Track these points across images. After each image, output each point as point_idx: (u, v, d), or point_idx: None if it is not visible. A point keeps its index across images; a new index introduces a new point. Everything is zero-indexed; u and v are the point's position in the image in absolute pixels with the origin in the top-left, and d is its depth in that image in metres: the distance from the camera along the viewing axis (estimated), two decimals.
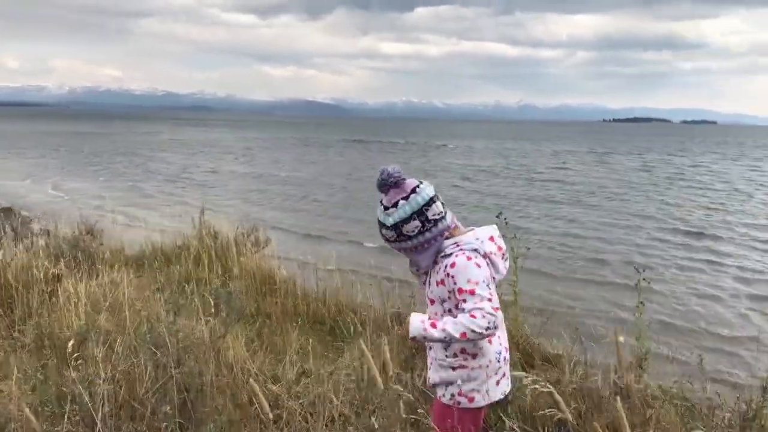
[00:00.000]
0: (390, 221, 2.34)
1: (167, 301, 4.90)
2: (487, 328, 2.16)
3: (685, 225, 16.13)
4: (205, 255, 6.46)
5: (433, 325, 2.23)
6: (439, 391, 2.49)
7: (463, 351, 2.37)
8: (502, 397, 2.48)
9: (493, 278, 2.34)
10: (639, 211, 18.56)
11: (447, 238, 2.37)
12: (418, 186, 2.35)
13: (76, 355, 3.05)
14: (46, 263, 5.31)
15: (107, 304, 4.57)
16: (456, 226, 2.41)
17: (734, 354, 7.04)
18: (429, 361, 2.56)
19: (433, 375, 2.49)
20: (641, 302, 3.35)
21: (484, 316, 2.15)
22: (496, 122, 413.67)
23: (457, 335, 2.17)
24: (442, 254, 2.36)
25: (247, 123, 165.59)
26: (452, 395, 2.42)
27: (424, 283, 2.51)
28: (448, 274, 2.29)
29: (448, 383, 2.43)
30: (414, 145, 61.83)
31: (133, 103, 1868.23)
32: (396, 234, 2.34)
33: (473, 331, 2.16)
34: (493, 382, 2.42)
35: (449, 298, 2.34)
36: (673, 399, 3.23)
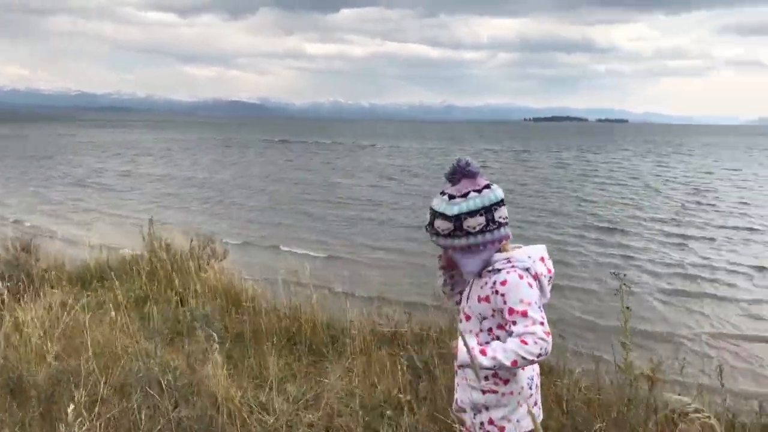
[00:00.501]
0: (454, 210, 2.13)
1: (148, 329, 4.57)
2: (539, 355, 2.02)
3: (599, 221, 16.72)
4: (162, 270, 6.00)
5: (483, 352, 2.06)
6: (468, 419, 2.33)
7: (495, 375, 2.22)
8: (532, 428, 2.26)
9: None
10: (555, 208, 19.13)
11: (498, 251, 2.20)
12: (491, 184, 2.20)
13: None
14: None
15: (59, 330, 4.18)
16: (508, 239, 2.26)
17: (651, 349, 7.21)
18: (457, 381, 2.38)
19: (462, 396, 2.34)
20: (627, 307, 3.33)
21: (536, 342, 2.01)
22: (421, 122, 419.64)
23: (508, 363, 2.03)
24: (490, 268, 2.18)
25: (168, 124, 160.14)
26: (481, 424, 2.26)
27: (459, 302, 2.35)
28: (496, 291, 2.13)
29: (477, 410, 2.27)
30: (340, 145, 61.60)
31: (44, 103, 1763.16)
32: (455, 227, 2.13)
33: (524, 358, 2.02)
34: (524, 410, 2.25)
35: (492, 316, 2.19)
36: (696, 412, 3.23)
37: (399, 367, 3.86)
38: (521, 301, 2.07)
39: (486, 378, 2.22)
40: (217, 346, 3.52)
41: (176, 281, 5.80)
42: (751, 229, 15.67)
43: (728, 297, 9.69)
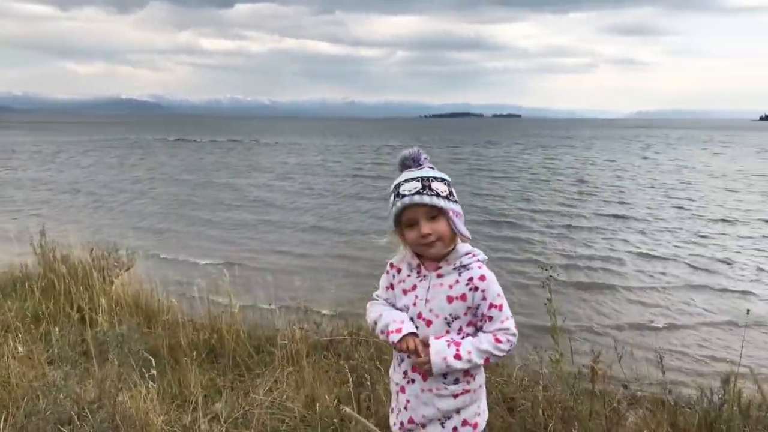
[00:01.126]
0: (446, 176, 2.12)
1: (48, 354, 4.17)
2: (508, 351, 2.05)
3: (490, 214, 17.07)
4: (60, 285, 5.33)
5: (457, 356, 1.99)
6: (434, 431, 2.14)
7: (466, 373, 2.10)
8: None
9: None
10: None
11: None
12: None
13: None
14: None
15: None
16: None
17: (544, 342, 7.18)
18: (405, 398, 2.15)
19: (421, 412, 2.12)
20: (549, 299, 3.32)
21: (508, 340, 2.03)
22: (323, 119, 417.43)
23: (481, 362, 2.03)
24: (457, 264, 2.07)
25: (52, 124, 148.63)
26: (454, 428, 2.11)
27: (414, 304, 2.12)
28: (476, 288, 2.03)
29: (447, 417, 2.11)
30: (239, 144, 59.85)
31: None
32: (449, 191, 2.07)
33: (495, 355, 2.04)
34: (485, 396, 2.22)
35: (465, 314, 2.06)
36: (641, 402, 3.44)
37: (330, 376, 3.64)
38: (499, 295, 2.05)
39: (456, 381, 2.09)
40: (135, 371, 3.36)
41: (78, 296, 5.24)
42: (625, 217, 16.62)
43: (615, 285, 10.03)
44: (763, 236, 14.08)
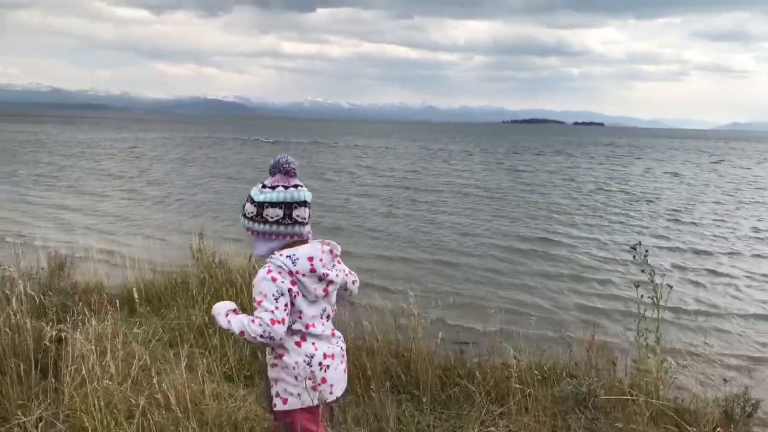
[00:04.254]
0: (260, 198, 2.41)
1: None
2: (262, 336, 2.32)
3: (546, 233, 14.96)
4: (226, 294, 5.04)
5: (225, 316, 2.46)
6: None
7: (272, 349, 2.49)
8: (317, 403, 2.47)
9: (303, 296, 2.43)
10: (486, 222, 16.55)
11: (290, 245, 2.45)
12: (300, 185, 2.45)
13: None
14: (33, 321, 3.94)
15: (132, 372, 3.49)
16: (307, 239, 2.51)
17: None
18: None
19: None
20: (654, 292, 3.37)
21: (260, 325, 2.32)
22: (401, 123, 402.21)
23: (236, 331, 2.37)
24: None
25: (145, 122, 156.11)
26: (277, 394, 2.52)
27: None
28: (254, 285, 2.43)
29: (272, 383, 2.54)
30: (321, 145, 61.15)
31: (14, 100, 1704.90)
32: (256, 212, 2.42)
33: (247, 332, 2.34)
34: (304, 386, 2.46)
35: None
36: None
37: None
38: (260, 293, 2.36)
39: (272, 350, 2.49)
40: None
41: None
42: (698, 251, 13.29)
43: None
44: None
